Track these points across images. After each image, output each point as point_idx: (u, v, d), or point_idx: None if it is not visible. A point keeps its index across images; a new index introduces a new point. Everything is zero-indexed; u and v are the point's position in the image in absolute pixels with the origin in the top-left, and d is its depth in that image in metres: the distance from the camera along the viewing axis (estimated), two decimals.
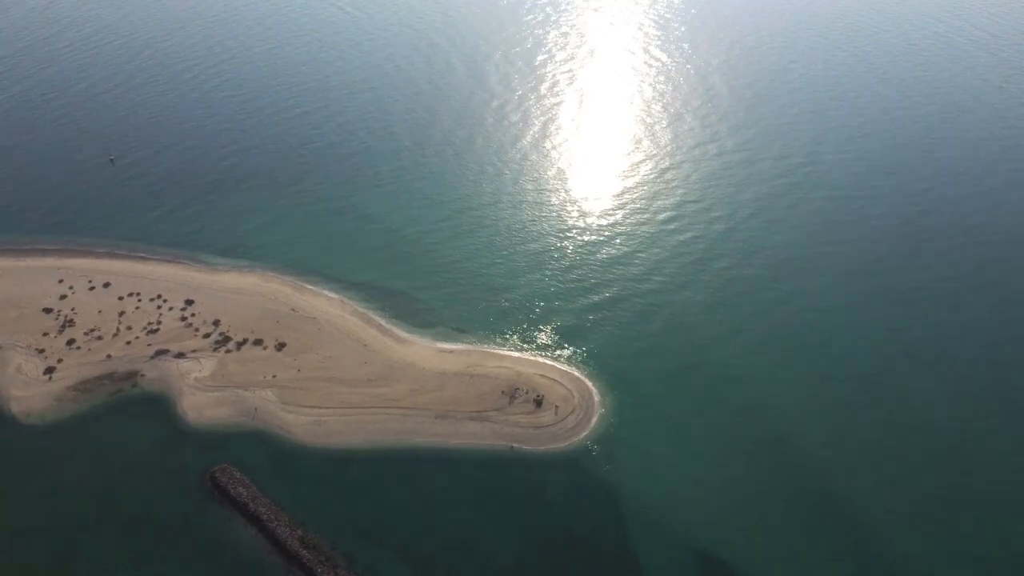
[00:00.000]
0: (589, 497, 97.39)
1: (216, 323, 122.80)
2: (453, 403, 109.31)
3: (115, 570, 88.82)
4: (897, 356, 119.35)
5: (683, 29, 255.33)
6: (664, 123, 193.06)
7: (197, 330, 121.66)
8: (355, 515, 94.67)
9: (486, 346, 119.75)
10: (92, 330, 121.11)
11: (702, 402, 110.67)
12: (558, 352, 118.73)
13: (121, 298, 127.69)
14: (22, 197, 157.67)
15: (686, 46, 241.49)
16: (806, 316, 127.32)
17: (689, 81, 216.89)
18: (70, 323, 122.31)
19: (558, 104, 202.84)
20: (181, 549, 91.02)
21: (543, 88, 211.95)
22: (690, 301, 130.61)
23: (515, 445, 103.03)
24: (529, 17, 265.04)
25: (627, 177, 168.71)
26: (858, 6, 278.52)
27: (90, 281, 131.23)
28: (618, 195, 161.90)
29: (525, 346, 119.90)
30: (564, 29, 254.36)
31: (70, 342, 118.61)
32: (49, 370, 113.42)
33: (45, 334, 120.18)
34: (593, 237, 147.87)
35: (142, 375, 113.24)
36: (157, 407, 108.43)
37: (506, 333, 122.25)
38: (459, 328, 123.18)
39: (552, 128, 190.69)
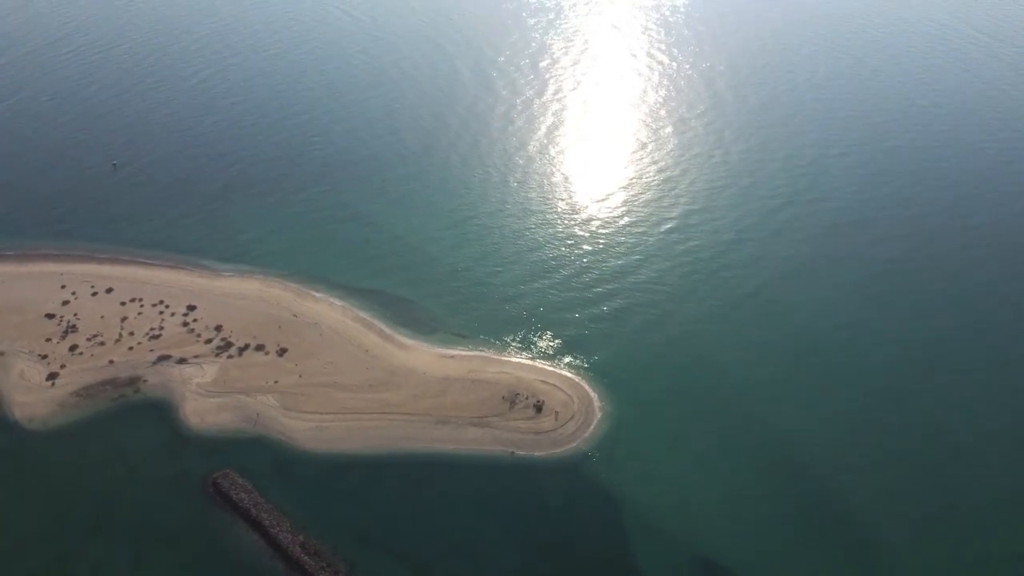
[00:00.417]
0: (588, 502, 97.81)
1: (218, 328, 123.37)
2: (454, 409, 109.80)
3: (115, 574, 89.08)
4: (902, 364, 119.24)
5: (687, 32, 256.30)
6: (669, 128, 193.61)
7: (199, 335, 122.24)
8: (356, 521, 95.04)
9: (487, 352, 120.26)
10: (94, 336, 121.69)
11: (702, 408, 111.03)
12: (558, 358, 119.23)
13: (123, 303, 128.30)
14: (25, 202, 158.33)
15: (691, 49, 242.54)
16: (809, 323, 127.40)
17: (694, 86, 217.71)
18: (73, 329, 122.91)
19: (563, 110, 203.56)
20: (183, 554, 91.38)
21: (548, 93, 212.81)
22: (692, 309, 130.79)
23: (515, 451, 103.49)
24: (532, 21, 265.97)
25: (632, 184, 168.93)
26: (863, 10, 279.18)
27: (92, 287, 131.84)
28: (622, 203, 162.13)
29: (526, 352, 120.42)
30: (567, 33, 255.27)
31: (73, 348, 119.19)
32: (52, 376, 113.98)
33: (48, 340, 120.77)
34: (596, 245, 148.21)
35: (144, 380, 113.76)
36: (159, 413, 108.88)
37: (507, 339, 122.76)
38: (460, 334, 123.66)
39: (557, 134, 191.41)
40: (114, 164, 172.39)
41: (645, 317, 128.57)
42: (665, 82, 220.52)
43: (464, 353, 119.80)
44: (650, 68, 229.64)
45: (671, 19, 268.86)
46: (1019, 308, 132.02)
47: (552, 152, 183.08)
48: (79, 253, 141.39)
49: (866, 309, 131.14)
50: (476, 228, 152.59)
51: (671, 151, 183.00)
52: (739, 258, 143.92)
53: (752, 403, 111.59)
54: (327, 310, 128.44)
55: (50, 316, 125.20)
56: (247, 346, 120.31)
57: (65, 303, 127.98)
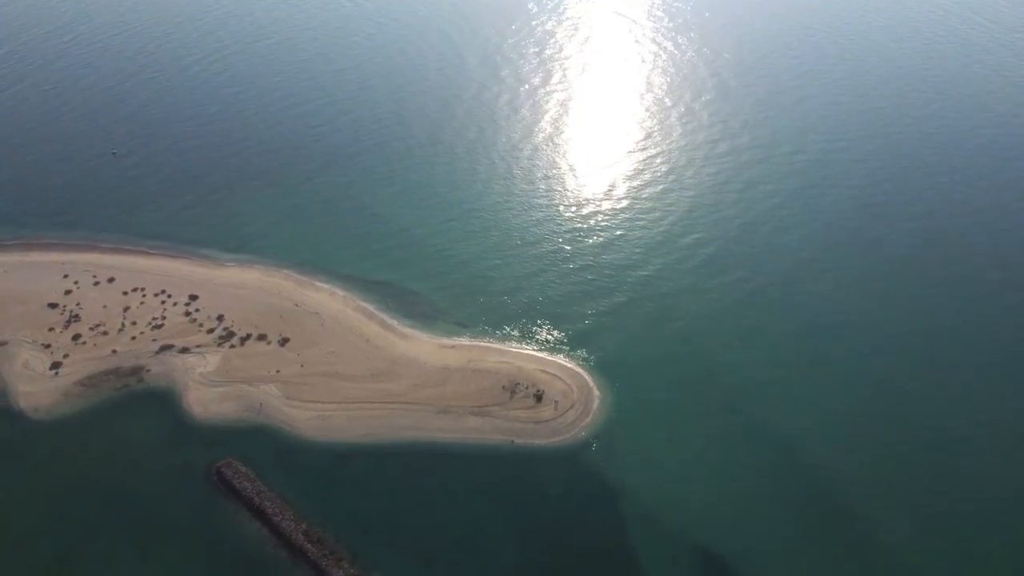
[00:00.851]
0: (588, 490, 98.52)
1: (220, 318, 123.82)
2: (455, 398, 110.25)
3: (121, 563, 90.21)
4: (905, 358, 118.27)
5: (692, 19, 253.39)
6: (675, 118, 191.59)
7: (201, 325, 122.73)
8: (359, 509, 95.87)
9: (487, 341, 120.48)
10: (97, 325, 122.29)
11: (701, 399, 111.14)
12: (558, 348, 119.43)
13: (125, 293, 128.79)
14: (26, 191, 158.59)
15: (695, 36, 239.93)
16: (811, 317, 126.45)
17: (699, 73, 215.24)
18: (75, 318, 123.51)
19: (568, 99, 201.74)
20: (187, 542, 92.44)
21: (553, 81, 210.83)
22: (693, 301, 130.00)
23: (515, 439, 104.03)
24: (537, 7, 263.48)
25: (636, 175, 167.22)
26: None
27: (94, 276, 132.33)
28: (626, 194, 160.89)
29: (526, 342, 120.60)
30: (572, 19, 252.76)
31: (76, 337, 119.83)
32: (55, 365, 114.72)
33: (51, 329, 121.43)
34: (598, 237, 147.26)
35: (147, 370, 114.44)
36: (162, 402, 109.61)
37: (507, 329, 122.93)
38: (461, 324, 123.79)
39: (562, 123, 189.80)
40: (114, 153, 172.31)
41: (646, 309, 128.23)
42: (670, 69, 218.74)
43: (464, 343, 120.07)
44: (655, 55, 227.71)
45: (675, 4, 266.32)
46: None
47: (557, 142, 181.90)
48: (81, 242, 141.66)
49: (870, 303, 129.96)
50: (480, 220, 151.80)
51: (676, 140, 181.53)
52: (742, 251, 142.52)
53: (752, 395, 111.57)
54: (328, 300, 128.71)
55: (53, 306, 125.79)
56: (249, 336, 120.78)
57: (67, 292, 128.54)
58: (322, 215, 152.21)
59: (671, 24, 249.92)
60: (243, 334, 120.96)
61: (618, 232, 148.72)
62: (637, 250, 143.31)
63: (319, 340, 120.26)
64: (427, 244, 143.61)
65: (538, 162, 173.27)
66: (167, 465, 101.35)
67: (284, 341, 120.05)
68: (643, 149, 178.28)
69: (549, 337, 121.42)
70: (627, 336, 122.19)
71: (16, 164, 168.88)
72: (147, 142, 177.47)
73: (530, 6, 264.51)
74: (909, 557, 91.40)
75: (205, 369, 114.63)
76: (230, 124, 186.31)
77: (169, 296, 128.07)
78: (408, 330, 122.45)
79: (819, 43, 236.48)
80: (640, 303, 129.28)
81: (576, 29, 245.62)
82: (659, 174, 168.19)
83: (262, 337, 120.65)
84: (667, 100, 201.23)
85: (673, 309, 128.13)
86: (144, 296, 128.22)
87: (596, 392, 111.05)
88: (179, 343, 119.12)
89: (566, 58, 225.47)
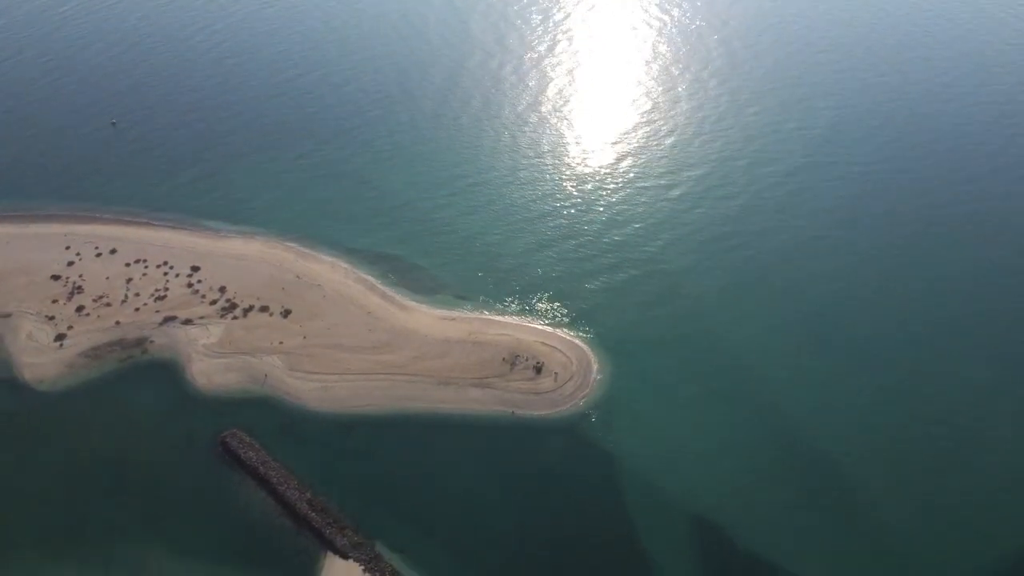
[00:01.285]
0: (586, 460, 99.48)
1: (222, 290, 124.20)
2: (456, 370, 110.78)
3: (127, 533, 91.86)
4: (917, 342, 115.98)
5: None
6: (681, 88, 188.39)
7: (204, 297, 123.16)
8: (362, 479, 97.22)
9: (488, 314, 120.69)
10: (100, 297, 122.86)
11: (700, 372, 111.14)
12: (558, 320, 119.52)
13: (128, 264, 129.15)
14: (28, 163, 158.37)
15: (703, 5, 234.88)
16: (816, 295, 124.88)
17: (707, 43, 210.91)
18: (79, 290, 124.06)
19: (575, 67, 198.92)
20: (192, 512, 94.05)
21: (559, 49, 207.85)
22: (696, 277, 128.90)
23: (516, 410, 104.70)
24: None
25: (643, 150, 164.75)
26: None
27: (96, 247, 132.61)
28: (632, 168, 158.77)
29: (526, 315, 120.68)
30: None
31: (79, 309, 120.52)
32: (60, 337, 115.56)
33: (55, 301, 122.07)
34: (603, 212, 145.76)
35: (151, 341, 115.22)
36: (167, 373, 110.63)
37: (508, 302, 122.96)
38: (461, 296, 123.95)
39: (568, 92, 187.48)
40: (113, 123, 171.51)
41: (648, 285, 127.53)
42: (678, 39, 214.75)
43: (465, 315, 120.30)
44: (662, 22, 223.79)
45: None
46: None
47: (564, 112, 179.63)
48: (83, 214, 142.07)
49: (878, 283, 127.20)
50: (484, 193, 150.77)
51: (683, 112, 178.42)
52: (747, 228, 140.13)
53: (753, 371, 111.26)
54: (330, 272, 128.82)
55: (56, 277, 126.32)
56: (251, 307, 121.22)
57: (70, 264, 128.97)
58: (325, 187, 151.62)
59: None
60: (245, 306, 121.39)
61: (622, 207, 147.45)
62: (640, 226, 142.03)
63: (321, 312, 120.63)
64: (430, 217, 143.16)
65: (544, 134, 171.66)
66: (172, 436, 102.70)
67: (286, 313, 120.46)
68: (649, 122, 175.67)
69: (550, 310, 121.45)
70: (627, 311, 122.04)
71: (16, 135, 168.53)
72: (148, 114, 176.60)
73: None
74: (900, 513, 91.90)
75: (208, 340, 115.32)
76: (231, 96, 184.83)
77: (171, 267, 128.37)
78: (410, 302, 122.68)
79: (829, 11, 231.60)
80: (642, 279, 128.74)
81: None
82: (664, 147, 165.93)
83: (264, 309, 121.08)
84: (673, 69, 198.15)
85: (676, 286, 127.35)
86: (146, 267, 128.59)
87: (595, 364, 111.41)
88: (182, 314, 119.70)
89: (572, 26, 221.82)
